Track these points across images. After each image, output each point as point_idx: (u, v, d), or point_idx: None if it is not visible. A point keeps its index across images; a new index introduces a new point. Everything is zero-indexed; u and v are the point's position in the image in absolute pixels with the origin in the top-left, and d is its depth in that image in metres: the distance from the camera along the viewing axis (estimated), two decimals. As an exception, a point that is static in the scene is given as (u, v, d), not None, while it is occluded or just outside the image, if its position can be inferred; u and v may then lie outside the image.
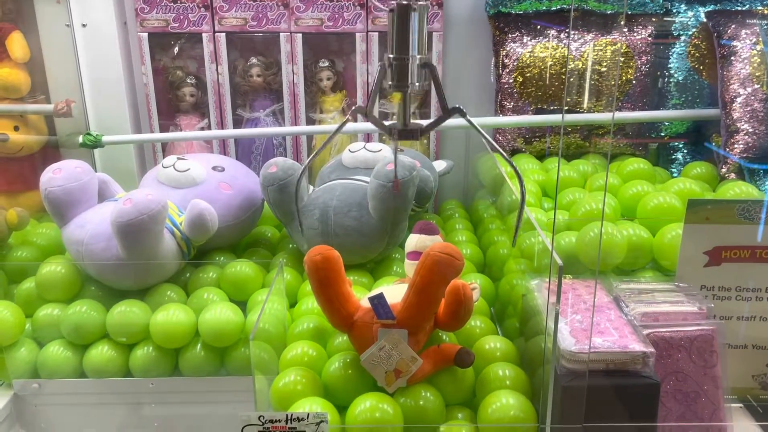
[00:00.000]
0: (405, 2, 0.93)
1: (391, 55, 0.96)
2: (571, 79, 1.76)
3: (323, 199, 1.53)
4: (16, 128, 1.78)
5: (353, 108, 1.07)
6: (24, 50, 1.75)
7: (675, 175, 1.77)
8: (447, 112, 1.00)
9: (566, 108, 1.74)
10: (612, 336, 1.02)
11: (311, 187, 1.65)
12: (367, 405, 1.04)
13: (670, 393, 1.06)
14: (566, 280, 1.22)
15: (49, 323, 1.38)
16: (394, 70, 0.96)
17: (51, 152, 1.86)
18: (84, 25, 1.76)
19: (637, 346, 0.99)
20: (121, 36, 1.82)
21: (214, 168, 1.63)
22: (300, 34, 1.83)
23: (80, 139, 1.75)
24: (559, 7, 1.76)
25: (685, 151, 1.82)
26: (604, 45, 1.76)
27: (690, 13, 1.76)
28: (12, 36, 1.75)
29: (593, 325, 1.02)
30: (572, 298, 1.14)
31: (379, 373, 1.06)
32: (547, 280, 1.16)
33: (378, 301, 1.06)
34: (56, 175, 1.41)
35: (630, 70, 1.77)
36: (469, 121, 1.01)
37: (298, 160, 1.90)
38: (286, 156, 1.95)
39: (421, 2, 0.94)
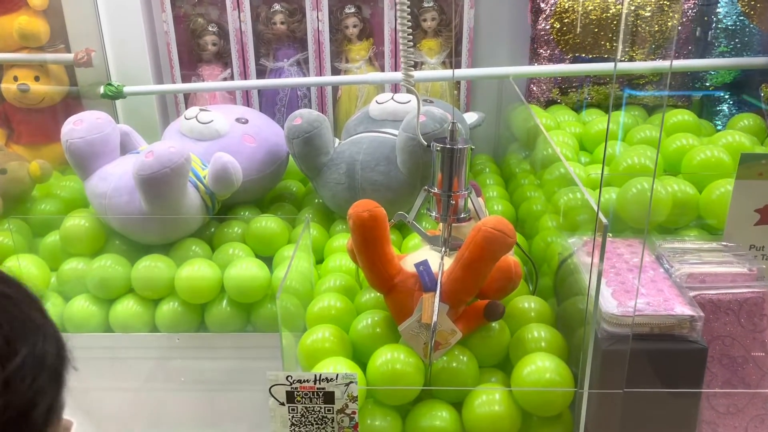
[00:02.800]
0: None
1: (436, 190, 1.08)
2: (614, 25, 1.65)
3: (350, 152, 1.47)
4: (36, 78, 1.74)
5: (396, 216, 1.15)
6: (42, -3, 1.70)
7: (720, 127, 1.68)
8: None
9: (608, 56, 1.65)
10: (657, 298, 0.96)
11: (337, 140, 1.59)
12: (388, 357, 1.01)
13: (716, 358, 1.01)
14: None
15: (75, 277, 1.37)
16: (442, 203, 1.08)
17: (73, 103, 1.83)
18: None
19: (684, 309, 0.93)
20: (141, -19, 1.75)
21: (237, 120, 1.58)
22: (325, -21, 1.75)
23: (101, 89, 1.71)
24: (601, -54, 1.64)
25: (731, 102, 1.72)
26: (648, -12, 1.65)
27: (743, -47, 1.63)
28: (30, -18, 1.69)
29: (637, 287, 0.97)
30: (614, 257, 1.08)
31: (417, 344, 1.02)
32: (586, 238, 1.10)
33: (425, 269, 1.01)
34: (77, 127, 1.37)
35: (675, 15, 1.66)
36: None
37: (323, 112, 1.84)
38: (310, 107, 1.89)
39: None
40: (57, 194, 1.63)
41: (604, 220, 0.88)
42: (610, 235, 1.19)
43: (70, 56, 1.73)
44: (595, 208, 0.93)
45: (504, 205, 1.56)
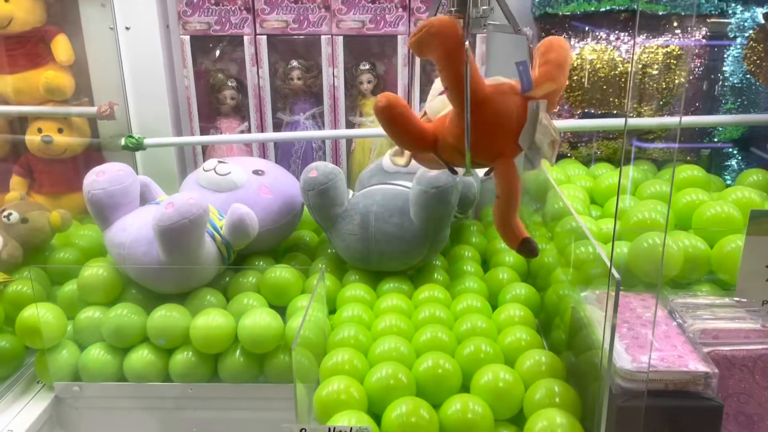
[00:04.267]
0: None
1: None
2: (622, 82, 1.70)
3: (364, 204, 1.50)
4: (60, 130, 1.80)
5: None
6: (69, 53, 1.77)
7: (729, 183, 1.70)
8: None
9: (616, 112, 1.68)
10: (671, 354, 0.97)
11: (351, 192, 1.63)
12: (403, 409, 1.01)
13: (731, 415, 1.00)
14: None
15: (91, 326, 1.39)
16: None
17: (94, 154, 1.88)
18: (127, 28, 1.77)
19: (698, 366, 0.94)
20: (164, 39, 1.82)
21: (254, 171, 1.61)
22: (341, 37, 1.81)
23: (122, 141, 1.76)
24: (608, 8, 1.70)
25: (740, 157, 1.75)
26: (655, 47, 1.70)
27: (747, 14, 1.68)
28: (57, 39, 1.76)
29: (651, 342, 0.97)
30: (626, 312, 1.09)
31: (547, 148, 0.94)
32: (599, 292, 1.11)
33: (523, 68, 0.93)
34: (99, 178, 1.41)
35: (682, 73, 1.70)
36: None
37: (337, 164, 1.88)
38: (325, 159, 1.93)
39: None
40: (75, 243, 1.66)
41: (617, 275, 0.89)
42: (623, 289, 1.19)
43: (93, 109, 1.79)
44: (608, 262, 0.95)
45: (515, 257, 1.57)
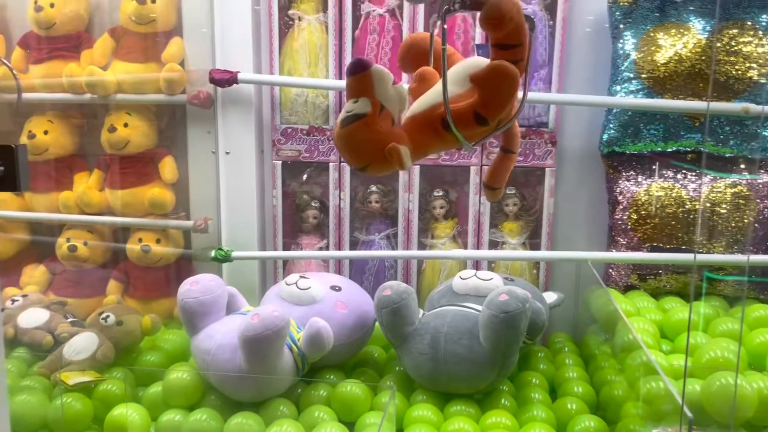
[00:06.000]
0: None
1: None
2: (690, 218, 1.74)
3: (434, 324, 1.56)
4: (158, 241, 1.97)
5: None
6: (174, 173, 1.97)
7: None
8: None
9: (683, 246, 1.72)
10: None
11: (421, 311, 1.69)
12: None
13: None
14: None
15: (172, 429, 1.46)
16: None
17: (184, 264, 2.03)
18: (227, 153, 1.97)
19: None
20: (258, 163, 2.01)
21: (332, 287, 1.71)
22: (418, 167, 1.95)
23: (212, 253, 1.91)
24: (674, 148, 1.79)
25: (815, 297, 1.73)
26: (723, 186, 1.75)
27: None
28: (165, 160, 1.98)
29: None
30: (700, 452, 1.08)
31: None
32: (671, 430, 1.11)
33: (483, 52, 1.01)
34: (193, 288, 1.54)
35: (752, 213, 1.73)
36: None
37: (408, 282, 1.96)
38: (396, 277, 2.02)
39: None
40: (161, 347, 1.77)
41: (689, 414, 0.91)
42: (696, 428, 1.18)
43: (189, 223, 1.96)
44: (680, 399, 0.96)
45: (584, 387, 1.57)
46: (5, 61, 1.89)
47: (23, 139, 1.93)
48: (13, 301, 1.82)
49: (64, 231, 2.01)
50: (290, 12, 1.94)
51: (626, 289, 1.85)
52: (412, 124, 1.05)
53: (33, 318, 1.74)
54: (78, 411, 1.48)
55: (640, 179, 1.80)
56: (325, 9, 1.93)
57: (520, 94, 1.01)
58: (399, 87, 1.02)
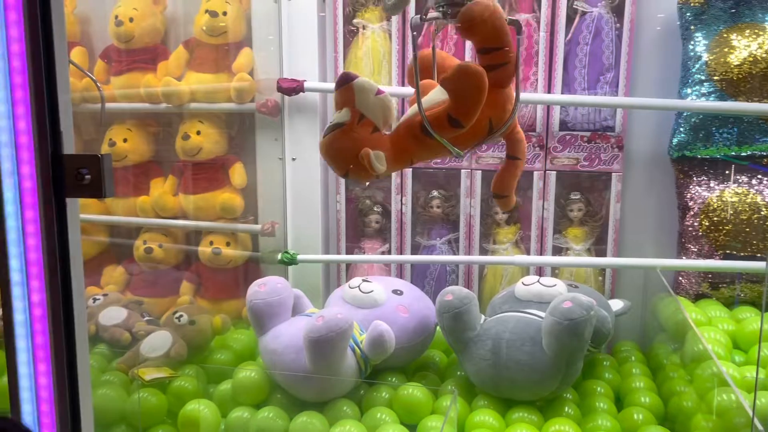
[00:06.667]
0: None
1: None
2: (766, 225, 1.68)
3: (496, 330, 1.56)
4: (228, 244, 2.05)
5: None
6: (243, 179, 2.05)
7: None
8: None
9: (758, 254, 1.65)
10: None
11: (482, 317, 1.69)
12: None
13: None
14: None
15: (240, 426, 1.51)
16: None
17: (252, 266, 2.10)
18: (293, 159, 2.04)
19: None
20: (323, 169, 2.06)
21: (394, 291, 1.74)
22: (480, 171, 1.96)
23: (278, 256, 1.97)
24: (749, 152, 1.72)
25: None
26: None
27: None
28: (235, 166, 2.06)
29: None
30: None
31: None
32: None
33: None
34: (261, 290, 1.59)
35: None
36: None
37: (469, 288, 1.96)
38: (458, 282, 2.03)
39: None
40: (230, 346, 1.84)
41: (760, 427, 0.88)
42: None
43: (257, 227, 2.03)
44: (750, 412, 0.93)
45: (652, 398, 1.53)
46: (89, 73, 2.01)
47: (104, 147, 2.05)
48: (95, 299, 1.93)
49: (141, 234, 2.12)
50: (354, 21, 1.99)
51: (697, 297, 1.79)
52: (397, 131, 1.12)
53: (112, 316, 1.84)
54: (153, 405, 1.56)
55: (712, 184, 1.75)
56: (388, 18, 1.97)
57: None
58: (383, 97, 1.08)
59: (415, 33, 1.08)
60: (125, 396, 1.60)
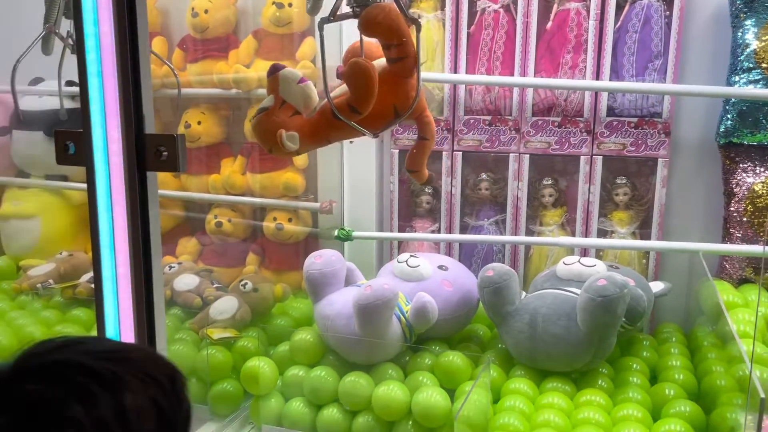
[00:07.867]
0: None
1: None
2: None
3: (534, 305, 1.64)
4: (290, 220, 2.21)
5: None
6: (304, 160, 2.20)
7: None
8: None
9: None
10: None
11: (524, 293, 1.78)
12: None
13: None
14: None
15: (295, 382, 1.68)
16: None
17: (311, 241, 2.26)
18: (351, 142, 2.17)
19: None
20: (378, 151, 2.19)
21: (439, 267, 1.85)
22: (528, 155, 2.03)
23: (335, 232, 2.12)
24: (797, 139, 1.73)
25: None
26: None
27: None
28: (297, 148, 2.21)
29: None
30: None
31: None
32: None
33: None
34: (317, 261, 1.74)
35: None
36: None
37: (514, 267, 2.05)
38: (504, 262, 2.11)
39: None
40: (289, 313, 2.01)
41: (761, 393, 0.95)
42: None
43: (316, 205, 2.19)
44: (759, 387, 1.00)
45: (686, 375, 1.59)
46: (167, 61, 2.21)
47: (181, 128, 2.25)
48: (170, 267, 2.13)
49: (212, 209, 2.31)
50: (410, 11, 2.09)
51: (740, 282, 1.82)
52: (316, 115, 1.30)
53: (185, 282, 2.03)
54: (220, 361, 1.74)
55: (758, 170, 1.76)
56: (443, 7, 2.06)
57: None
58: (304, 86, 1.28)
59: (322, 32, 1.25)
60: (196, 352, 1.80)
